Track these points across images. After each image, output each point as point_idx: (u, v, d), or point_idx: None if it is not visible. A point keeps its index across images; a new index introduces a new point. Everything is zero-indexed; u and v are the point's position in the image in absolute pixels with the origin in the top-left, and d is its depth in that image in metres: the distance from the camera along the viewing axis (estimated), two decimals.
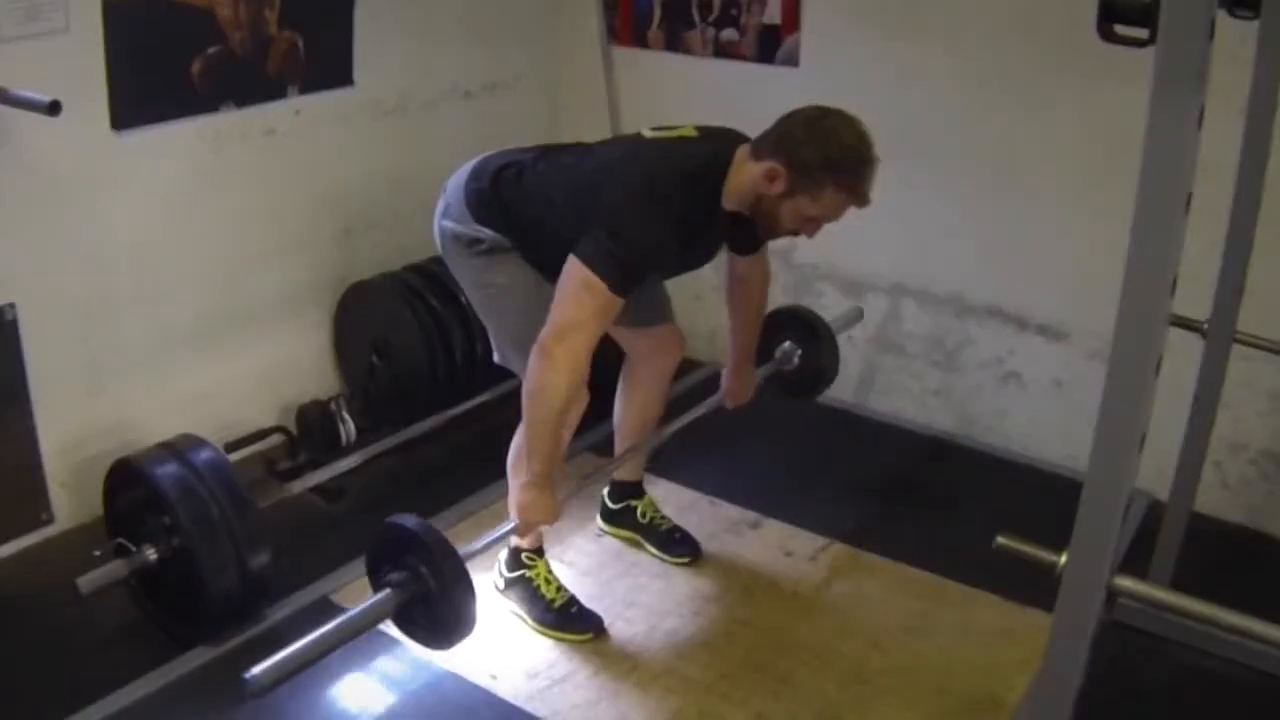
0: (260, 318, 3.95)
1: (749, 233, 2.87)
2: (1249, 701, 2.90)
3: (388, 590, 2.39)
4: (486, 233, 2.82)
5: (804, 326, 3.61)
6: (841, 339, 3.68)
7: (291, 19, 3.69)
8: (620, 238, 2.57)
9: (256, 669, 2.23)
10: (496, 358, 3.00)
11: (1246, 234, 2.63)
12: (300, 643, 2.31)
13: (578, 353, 2.57)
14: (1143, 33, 1.54)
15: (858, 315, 3.94)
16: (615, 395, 3.37)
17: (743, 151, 2.72)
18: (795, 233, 2.78)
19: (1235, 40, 2.28)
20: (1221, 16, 1.37)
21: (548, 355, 2.56)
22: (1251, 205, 2.59)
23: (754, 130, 2.76)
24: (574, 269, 2.57)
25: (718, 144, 2.78)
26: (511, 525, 2.77)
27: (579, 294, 2.57)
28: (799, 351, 3.59)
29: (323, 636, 2.33)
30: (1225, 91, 1.98)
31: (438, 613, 2.41)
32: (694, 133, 2.83)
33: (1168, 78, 1.30)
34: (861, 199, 2.68)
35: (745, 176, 2.69)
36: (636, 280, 2.63)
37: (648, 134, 2.85)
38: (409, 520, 2.43)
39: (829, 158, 2.60)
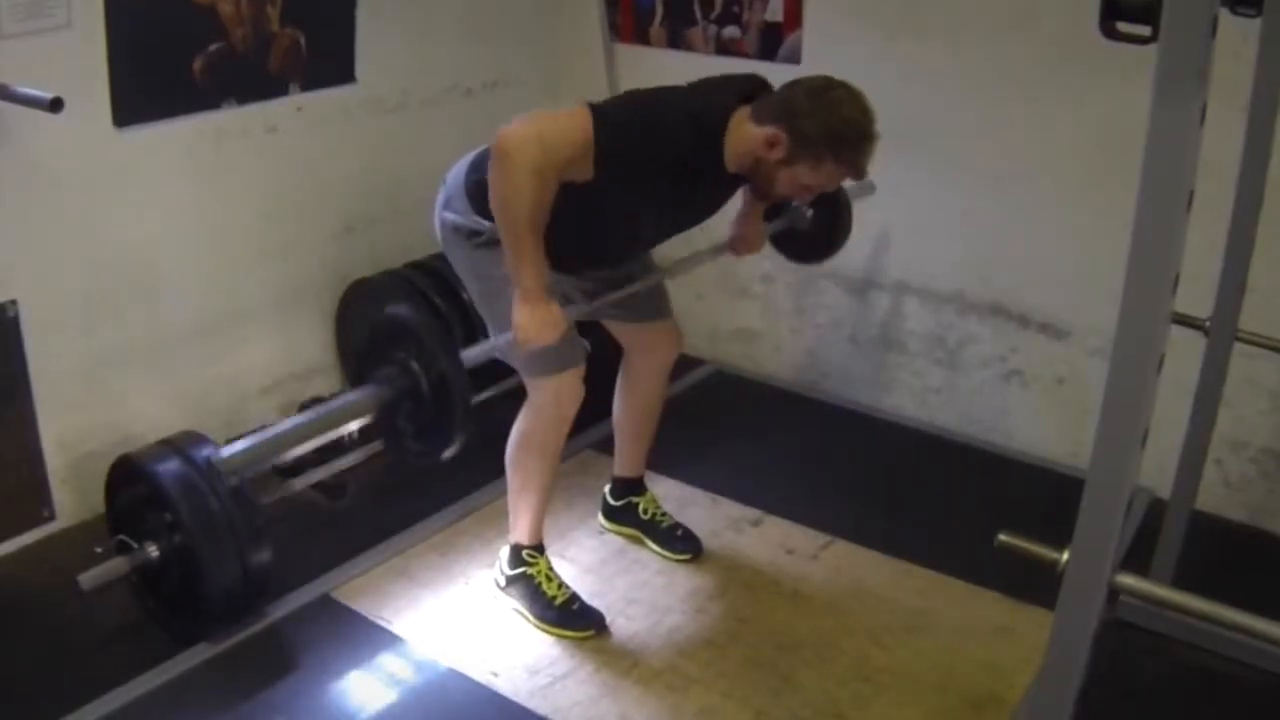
0: (262, 314, 3.95)
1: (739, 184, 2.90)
2: (1250, 699, 2.90)
3: (372, 385, 2.26)
4: (486, 224, 2.81)
5: None
6: (843, 336, 3.67)
7: (293, 16, 3.69)
8: (623, 107, 2.64)
9: (228, 450, 2.17)
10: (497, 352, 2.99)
11: (1248, 232, 2.63)
12: (276, 428, 2.22)
13: (536, 161, 2.50)
14: (1145, 30, 1.54)
15: (870, 188, 3.84)
16: (614, 392, 3.37)
17: (743, 110, 2.71)
18: (790, 198, 2.78)
19: (1237, 38, 2.29)
20: (1223, 14, 1.37)
21: (507, 156, 2.51)
22: (1253, 203, 2.59)
23: None
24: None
25: (720, 94, 2.77)
26: (506, 337, 2.67)
27: (562, 115, 2.58)
28: (810, 210, 3.50)
29: (299, 426, 2.24)
30: (1227, 89, 1.97)
31: (427, 420, 2.27)
32: (687, 87, 2.84)
33: (1170, 75, 1.30)
34: (859, 173, 2.69)
35: (745, 138, 2.68)
36: (618, 154, 2.59)
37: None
38: (403, 310, 2.32)
39: (831, 131, 2.60)
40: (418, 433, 2.28)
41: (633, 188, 2.68)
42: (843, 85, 2.65)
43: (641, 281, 3.09)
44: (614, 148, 2.57)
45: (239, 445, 2.11)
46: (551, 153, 2.52)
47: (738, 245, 3.27)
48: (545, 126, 2.55)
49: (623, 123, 2.61)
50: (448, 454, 2.33)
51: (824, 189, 2.77)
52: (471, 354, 2.46)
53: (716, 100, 2.75)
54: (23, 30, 3.01)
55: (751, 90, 2.79)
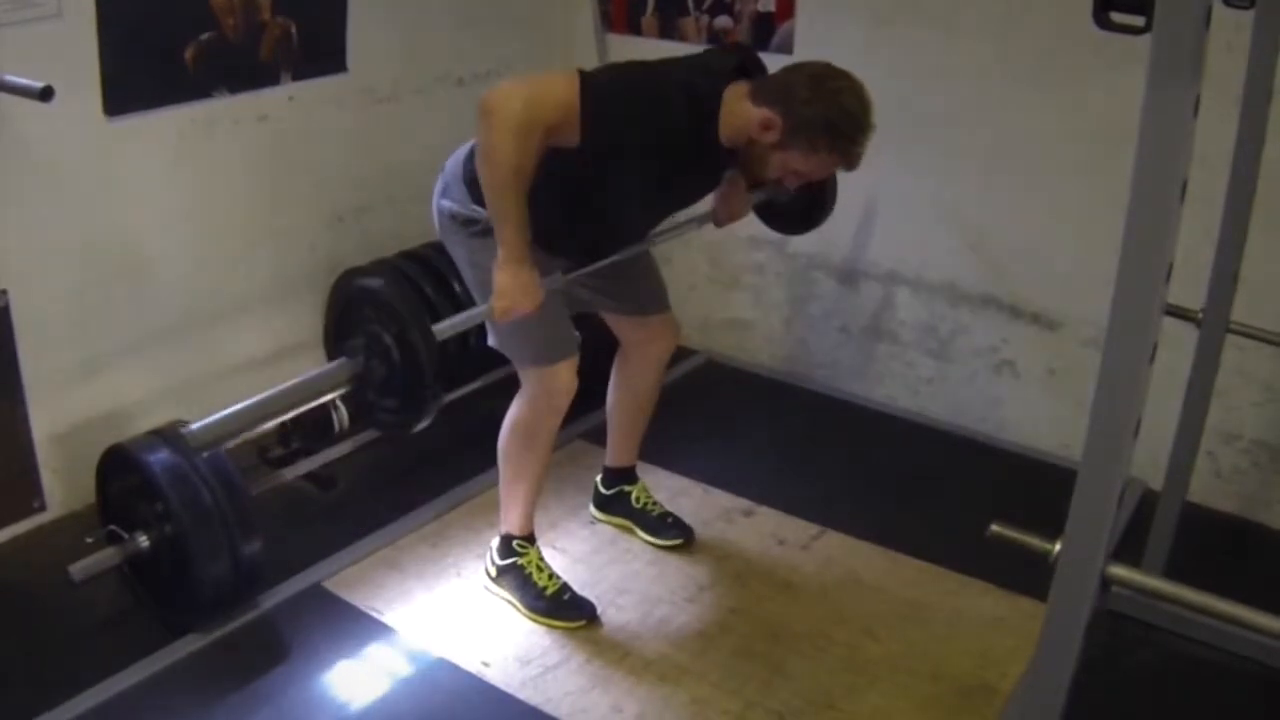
0: (253, 304, 3.94)
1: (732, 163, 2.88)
2: (1241, 689, 2.91)
3: (344, 358, 2.26)
4: (483, 212, 2.80)
5: None
6: (834, 327, 3.67)
7: (285, 5, 3.68)
8: (613, 76, 2.64)
9: (197, 424, 2.16)
10: (490, 340, 2.98)
11: (1241, 223, 2.63)
12: (248, 401, 2.22)
13: (520, 116, 2.48)
14: (1139, 20, 1.54)
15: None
16: (607, 382, 3.37)
17: (742, 85, 2.71)
18: (778, 182, 2.78)
19: (1231, 28, 2.28)
20: (1217, 5, 1.37)
21: (491, 114, 2.50)
22: (1246, 194, 2.59)
23: None
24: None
25: (713, 64, 2.78)
26: (484, 308, 2.64)
27: (549, 78, 2.57)
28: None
29: (271, 398, 2.23)
30: (1221, 80, 1.98)
31: (397, 390, 2.26)
32: (684, 58, 2.84)
33: (1163, 66, 1.30)
34: (853, 164, 2.69)
35: (741, 115, 2.67)
36: (606, 114, 2.57)
37: None
38: (372, 280, 2.31)
39: (829, 120, 2.60)
40: (391, 404, 2.27)
41: (620, 160, 2.66)
42: (844, 75, 2.65)
43: (632, 280, 3.11)
44: (601, 112, 2.55)
45: (210, 419, 2.10)
46: (535, 110, 2.49)
47: (720, 215, 3.20)
48: (530, 86, 2.54)
49: (611, 89, 2.59)
50: (420, 425, 2.33)
51: (814, 176, 2.77)
52: (444, 326, 2.45)
53: (711, 72, 2.74)
54: (13, 19, 3.00)
55: (744, 63, 2.79)
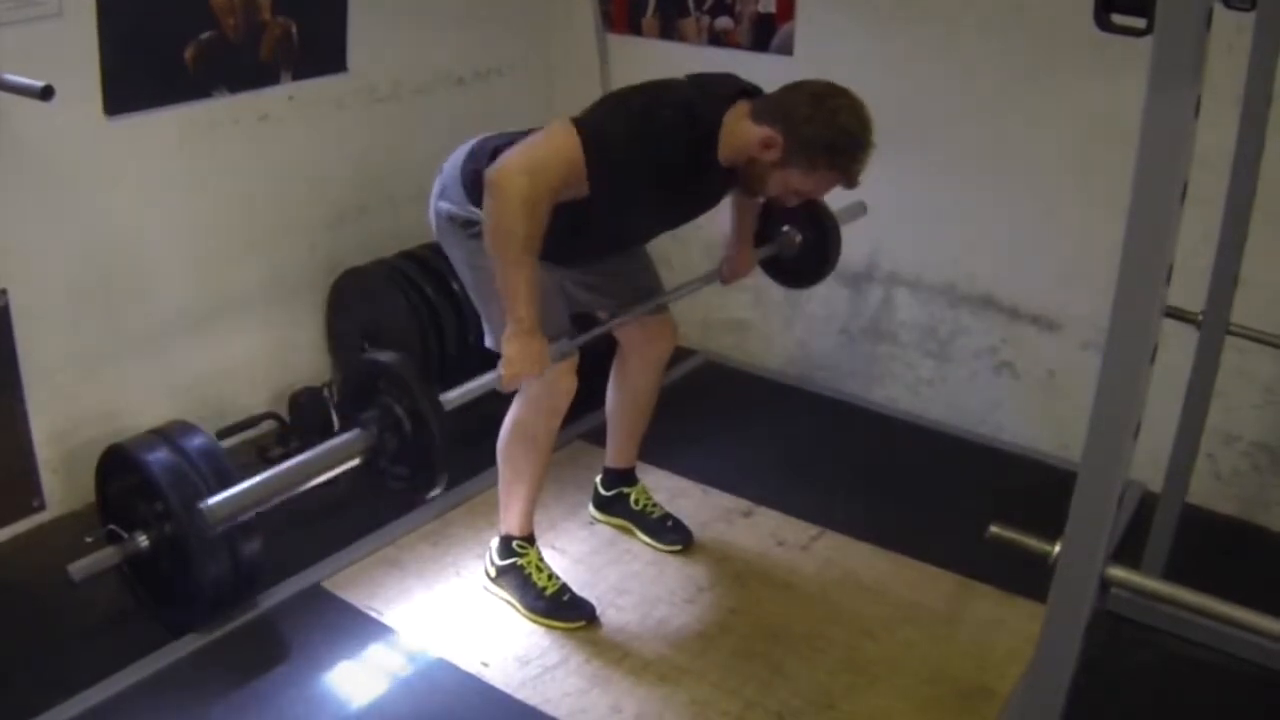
0: (253, 304, 3.94)
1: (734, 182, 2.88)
2: (1240, 691, 2.91)
3: (358, 430, 2.31)
4: (480, 214, 2.81)
5: (808, 213, 3.46)
6: (834, 329, 3.67)
7: (285, 5, 3.68)
8: (609, 115, 2.60)
9: (215, 498, 2.19)
10: (488, 341, 2.98)
11: (1241, 225, 2.63)
12: (263, 475, 2.25)
13: (527, 190, 2.49)
14: (1140, 22, 1.54)
15: (861, 210, 3.86)
16: (607, 383, 3.37)
17: (743, 105, 2.71)
18: (779, 199, 2.79)
19: (1232, 30, 2.29)
20: (1218, 7, 1.37)
21: (499, 189, 2.51)
22: (1246, 196, 2.59)
23: None
24: (552, 122, 2.57)
25: (715, 88, 2.77)
26: (493, 376, 2.64)
27: (548, 140, 2.56)
28: (799, 237, 3.49)
29: (288, 470, 2.27)
30: (1221, 82, 1.98)
31: (412, 455, 2.31)
32: (685, 78, 2.83)
33: (1164, 68, 1.30)
34: (852, 182, 2.69)
35: (741, 134, 2.68)
36: (609, 166, 2.58)
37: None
38: (385, 355, 2.34)
39: (829, 139, 2.60)
40: (403, 472, 2.32)
41: (627, 194, 2.68)
42: (844, 93, 2.65)
43: (629, 279, 3.13)
44: (604, 160, 2.56)
45: (225, 494, 2.14)
46: (542, 180, 2.51)
47: (726, 272, 3.35)
48: (533, 155, 2.54)
49: (611, 137, 2.59)
50: (432, 494, 2.38)
51: (814, 195, 2.78)
52: (454, 395, 2.50)
53: (712, 91, 2.75)
54: (14, 18, 3.00)
55: (748, 89, 2.80)
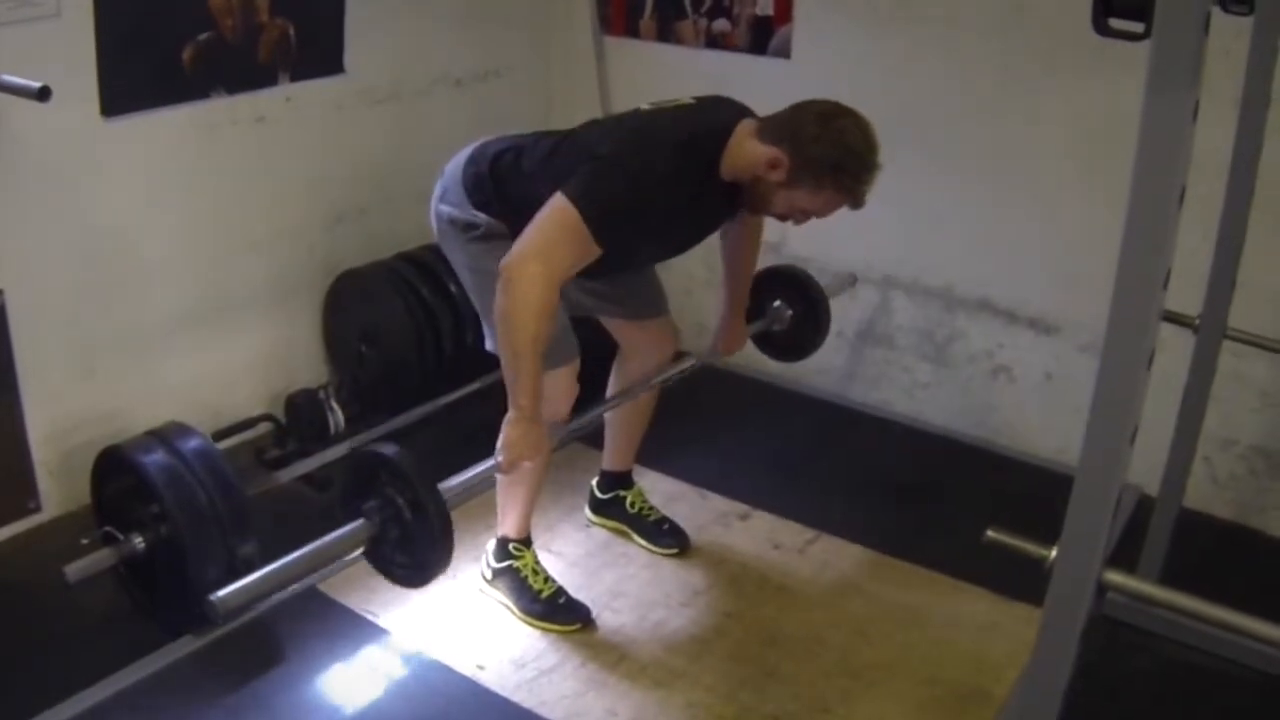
0: (250, 305, 3.94)
1: (739, 203, 2.86)
2: (1237, 696, 2.90)
3: (361, 520, 2.35)
4: (482, 217, 2.81)
5: (796, 287, 3.57)
6: (830, 332, 3.67)
7: (283, 6, 3.68)
8: (605, 177, 2.58)
9: (223, 590, 2.21)
10: (488, 344, 2.99)
11: (1239, 228, 2.63)
12: (268, 568, 2.27)
13: (539, 278, 2.52)
14: (1138, 26, 1.54)
15: (851, 280, 3.89)
16: (607, 387, 3.36)
17: (747, 126, 2.71)
18: (784, 218, 2.78)
19: (1230, 35, 2.28)
20: (1216, 11, 1.37)
21: (510, 282, 2.52)
22: (1244, 200, 2.59)
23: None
24: (554, 200, 2.57)
25: (717, 113, 2.78)
26: (492, 463, 2.68)
27: (552, 220, 2.56)
28: (790, 311, 3.56)
29: (291, 563, 2.29)
30: (1219, 86, 1.98)
31: (411, 549, 2.36)
32: (691, 101, 2.84)
33: (1162, 72, 1.30)
34: (858, 202, 2.68)
35: (747, 155, 2.67)
36: (616, 226, 2.59)
37: (645, 107, 2.85)
38: (387, 448, 2.39)
39: (835, 159, 2.60)
40: (404, 560, 2.40)
41: (636, 238, 2.73)
42: (851, 113, 2.65)
43: (634, 289, 3.17)
44: (612, 223, 2.57)
45: (235, 585, 2.18)
46: (556, 263, 2.54)
47: (721, 347, 3.39)
48: (540, 242, 2.55)
49: (614, 197, 2.59)
50: (432, 582, 2.44)
51: (819, 214, 2.77)
52: (454, 485, 2.53)
53: (713, 117, 2.76)
54: (11, 19, 2.99)
55: (747, 111, 2.80)
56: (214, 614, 2.20)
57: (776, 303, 3.56)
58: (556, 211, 2.56)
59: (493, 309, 2.80)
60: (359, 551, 2.40)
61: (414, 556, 2.37)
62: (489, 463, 2.68)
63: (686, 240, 2.99)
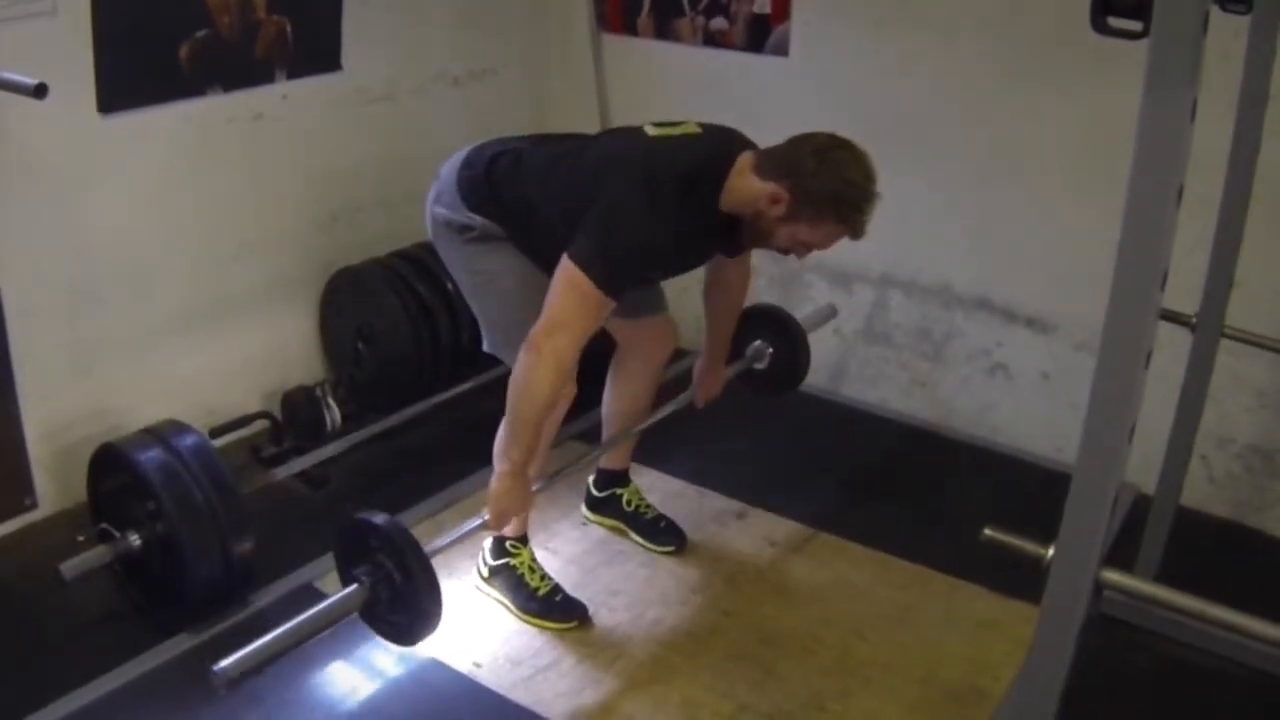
0: (246, 303, 3.93)
1: (738, 238, 2.85)
2: (1233, 695, 2.90)
3: (355, 585, 2.42)
4: (478, 220, 2.81)
5: (775, 325, 3.58)
6: (828, 330, 3.67)
7: (280, 3, 3.67)
8: (615, 236, 2.58)
9: (225, 661, 2.25)
10: (486, 345, 2.99)
11: (1236, 228, 2.63)
12: (268, 636, 2.33)
13: (564, 351, 2.57)
14: (1136, 25, 1.54)
15: (830, 313, 3.92)
16: (604, 384, 3.36)
17: (746, 159, 2.71)
18: (786, 251, 2.78)
19: (1228, 34, 2.28)
20: (1214, 11, 1.37)
21: (535, 351, 2.56)
22: (1241, 199, 2.59)
23: (747, 125, 2.74)
24: (567, 267, 2.58)
25: (719, 144, 2.78)
26: (480, 521, 2.74)
27: (569, 291, 2.58)
28: (769, 350, 3.56)
29: (290, 630, 2.35)
30: (1217, 85, 1.97)
31: (402, 610, 2.43)
32: (696, 129, 2.82)
33: (1160, 71, 1.30)
34: (858, 233, 2.69)
35: (747, 189, 2.68)
36: (629, 281, 2.65)
37: (650, 130, 2.82)
38: (377, 517, 2.45)
39: (835, 193, 2.61)
40: (395, 620, 2.48)
41: (643, 275, 2.81)
42: (848, 145, 2.66)
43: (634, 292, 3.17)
44: (622, 278, 2.62)
45: (236, 656, 2.26)
46: (576, 332, 2.59)
47: (699, 394, 3.39)
48: (560, 316, 2.59)
49: (625, 254, 2.61)
50: (422, 642, 2.52)
51: (821, 247, 2.77)
52: (442, 543, 2.60)
53: (715, 147, 2.76)
54: (7, 15, 2.99)
55: (744, 140, 2.82)
56: (219, 683, 2.26)
57: (756, 342, 3.57)
58: (571, 282, 2.58)
59: (489, 312, 2.82)
60: (354, 614, 2.46)
61: (406, 615, 2.44)
62: (475, 521, 2.74)
63: (687, 266, 3.01)
